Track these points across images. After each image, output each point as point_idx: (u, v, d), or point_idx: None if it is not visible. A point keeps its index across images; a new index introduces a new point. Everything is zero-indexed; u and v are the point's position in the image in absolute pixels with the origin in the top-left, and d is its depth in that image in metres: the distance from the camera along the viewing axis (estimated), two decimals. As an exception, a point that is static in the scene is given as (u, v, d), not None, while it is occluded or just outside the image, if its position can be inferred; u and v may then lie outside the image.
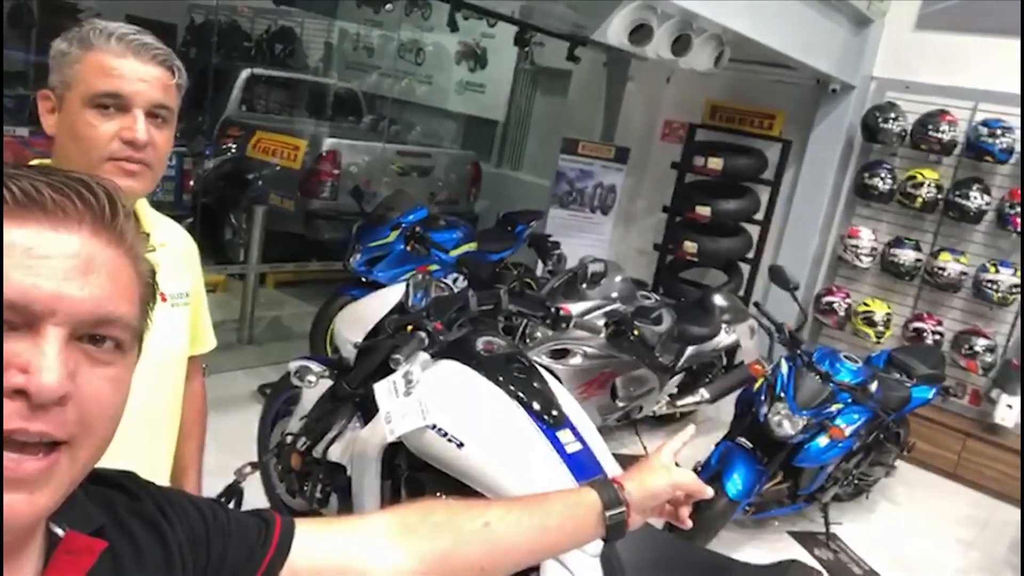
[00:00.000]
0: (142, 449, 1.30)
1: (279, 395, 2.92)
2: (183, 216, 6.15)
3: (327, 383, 2.54)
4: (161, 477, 1.41)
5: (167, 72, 1.24)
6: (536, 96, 8.71)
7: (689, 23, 4.63)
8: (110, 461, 0.63)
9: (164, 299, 1.33)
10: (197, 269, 1.51)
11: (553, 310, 2.61)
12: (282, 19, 10.53)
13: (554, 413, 2.19)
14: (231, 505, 2.06)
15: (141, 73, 1.20)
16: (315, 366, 2.55)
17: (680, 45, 4.67)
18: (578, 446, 2.17)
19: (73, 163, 1.18)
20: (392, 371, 2.20)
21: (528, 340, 4.03)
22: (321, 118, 7.95)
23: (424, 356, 2.29)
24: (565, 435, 2.17)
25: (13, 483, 0.55)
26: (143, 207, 1.34)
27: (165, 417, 1.39)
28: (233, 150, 6.64)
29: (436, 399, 2.10)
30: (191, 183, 5.99)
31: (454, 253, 4.76)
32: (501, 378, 2.23)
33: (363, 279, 4.50)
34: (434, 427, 2.05)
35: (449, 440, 2.04)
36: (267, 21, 10.69)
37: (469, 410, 2.13)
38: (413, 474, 2.22)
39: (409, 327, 2.25)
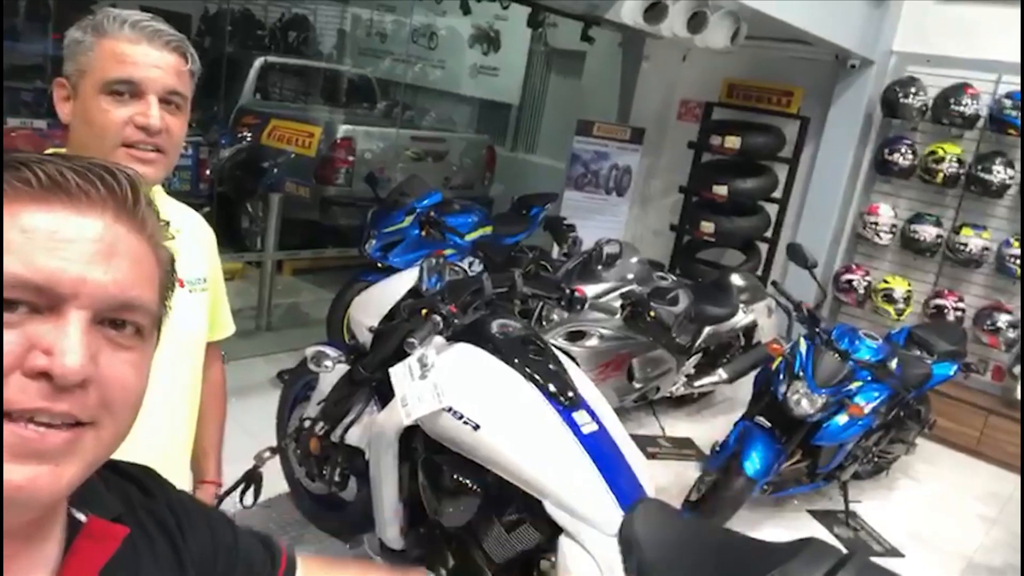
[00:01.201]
0: (163, 433, 1.32)
1: (297, 381, 2.95)
2: (200, 205, 6.20)
3: (344, 368, 2.55)
4: (181, 461, 1.43)
5: (180, 58, 1.25)
6: (551, 78, 8.65)
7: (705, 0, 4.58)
8: (131, 443, 0.64)
9: (182, 284, 1.34)
10: (214, 256, 1.52)
11: (568, 292, 2.61)
12: (295, 6, 10.53)
13: (570, 395, 2.20)
14: (251, 490, 2.10)
15: (154, 59, 1.21)
16: (331, 351, 2.56)
17: (696, 22, 4.63)
18: (594, 427, 2.17)
19: (87, 150, 1.19)
20: (407, 355, 2.21)
21: (544, 323, 4.03)
22: (335, 105, 7.95)
23: (439, 339, 2.30)
24: (581, 416, 2.18)
25: (38, 455, 0.55)
26: (159, 194, 1.35)
27: (184, 401, 1.41)
28: (248, 138, 6.66)
29: (451, 382, 2.11)
30: (207, 172, 6.01)
31: (469, 237, 4.76)
32: (516, 360, 2.23)
33: (379, 265, 4.51)
34: (449, 410, 2.06)
35: (465, 422, 2.05)
36: (281, 8, 10.69)
37: (484, 392, 2.14)
38: (430, 457, 2.23)
39: (424, 311, 2.25)
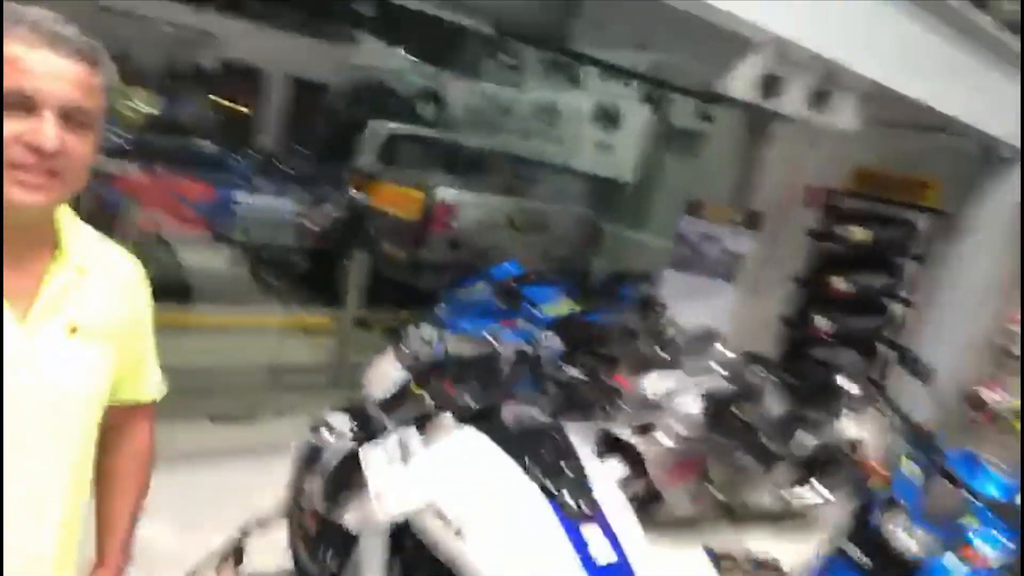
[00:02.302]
0: (25, 504, 1.13)
1: (310, 446, 2.75)
2: (297, 260, 6.34)
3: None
4: (47, 536, 1.21)
5: (88, 68, 1.07)
6: (667, 156, 8.41)
7: (830, 75, 4.19)
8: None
9: (74, 331, 1.16)
10: (139, 302, 1.31)
11: (605, 381, 2.29)
12: (427, 81, 10.96)
13: (582, 505, 1.86)
14: (230, 562, 1.88)
15: (55, 68, 1.03)
16: (340, 421, 2.35)
17: (819, 100, 4.25)
18: (612, 556, 1.81)
19: None
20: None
21: (609, 411, 3.67)
22: (448, 173, 8.05)
23: (448, 420, 2.04)
24: (593, 535, 1.83)
25: None
26: (68, 222, 1.18)
27: (61, 469, 1.19)
28: (357, 199, 6.80)
29: (437, 473, 1.83)
30: (310, 228, 6.15)
31: (547, 311, 4.52)
32: (526, 457, 1.93)
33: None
34: (431, 507, 1.78)
35: (446, 525, 1.76)
36: (415, 81, 11.16)
37: (474, 491, 1.85)
38: (420, 555, 1.95)
39: (415, 386, 2.00)
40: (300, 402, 4.58)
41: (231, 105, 11.53)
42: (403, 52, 9.23)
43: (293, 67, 11.85)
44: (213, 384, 4.88)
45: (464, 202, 6.25)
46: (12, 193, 1.03)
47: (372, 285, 5.69)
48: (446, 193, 6.26)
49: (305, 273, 6.46)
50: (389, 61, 10.96)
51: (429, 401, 1.94)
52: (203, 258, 5.89)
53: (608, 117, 8.53)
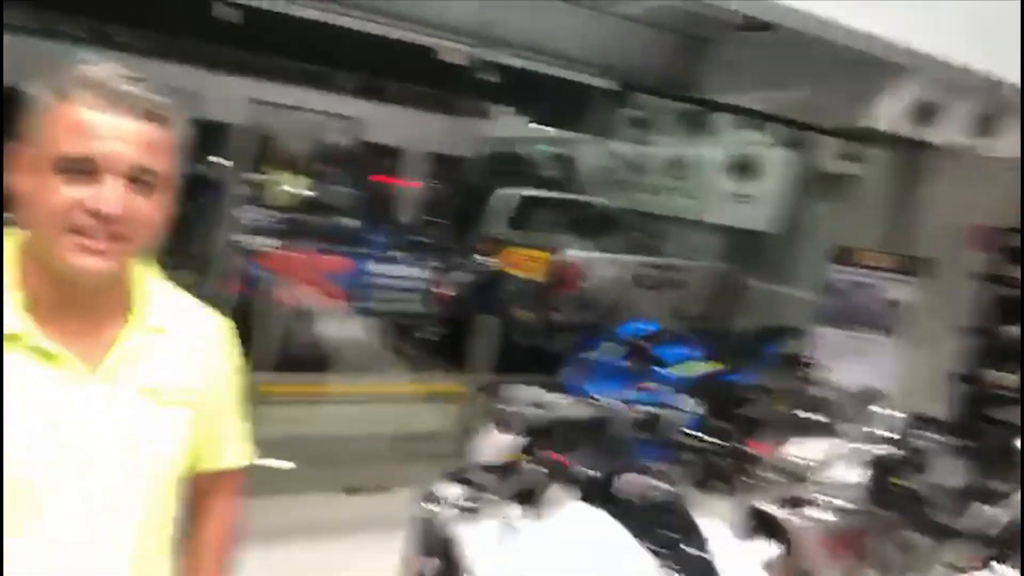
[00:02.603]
0: (90, 560, 1.08)
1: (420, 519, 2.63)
2: (429, 327, 6.40)
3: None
4: None
5: (156, 127, 1.04)
6: (811, 203, 7.91)
7: (994, 97, 3.76)
8: None
9: (147, 392, 1.12)
10: (222, 364, 1.27)
11: (747, 448, 2.03)
12: (556, 145, 11.08)
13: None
14: None
15: (119, 130, 1.00)
16: (451, 491, 2.22)
17: (983, 126, 3.82)
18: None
19: (35, 233, 1.03)
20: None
21: (753, 483, 3.32)
22: (577, 234, 7.99)
23: (555, 492, 1.86)
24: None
25: None
26: (147, 282, 1.16)
27: (128, 531, 1.13)
28: (486, 264, 6.85)
29: (547, 554, 1.65)
30: (441, 295, 6.22)
31: (678, 371, 4.25)
32: (644, 535, 1.72)
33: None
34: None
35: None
36: (544, 147, 11.32)
37: (588, 575, 1.65)
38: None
39: (528, 455, 1.84)
40: (430, 472, 4.50)
41: (372, 182, 12.13)
42: (531, 121, 9.37)
43: (430, 144, 12.38)
44: (346, 454, 4.92)
45: (593, 261, 6.13)
46: (74, 258, 1.01)
47: (502, 350, 5.63)
48: (574, 253, 6.17)
49: (437, 340, 6.52)
50: (519, 130, 11.18)
51: (536, 470, 1.77)
52: (340, 328, 6.06)
53: (744, 166, 8.18)
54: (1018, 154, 3.88)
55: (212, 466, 1.28)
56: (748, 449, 3.30)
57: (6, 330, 1.01)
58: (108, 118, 1.00)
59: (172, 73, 6.09)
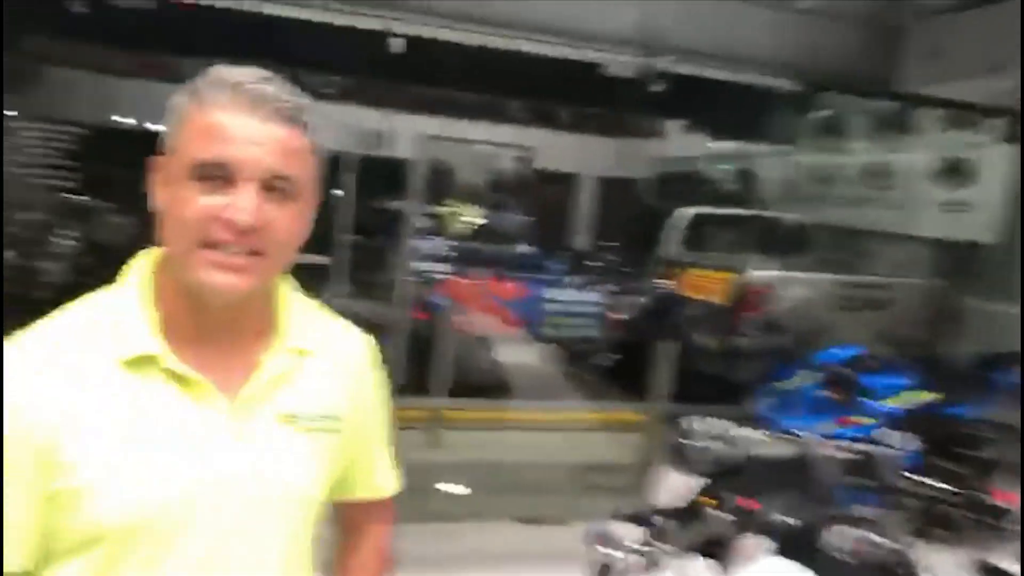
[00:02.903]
0: None
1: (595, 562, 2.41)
2: (606, 353, 6.21)
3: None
4: None
5: (293, 131, 0.95)
6: (1041, 209, 6.87)
7: None
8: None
9: (288, 419, 1.03)
10: (368, 387, 1.17)
11: (978, 494, 1.66)
12: (734, 160, 10.55)
13: None
14: None
15: (255, 134, 0.92)
16: (627, 532, 2.00)
17: None
18: None
19: (169, 249, 0.97)
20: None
21: (987, 534, 2.80)
22: (763, 253, 7.48)
23: (750, 544, 1.60)
24: None
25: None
26: (288, 300, 1.08)
27: (268, 564, 1.04)
28: (664, 288, 6.56)
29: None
30: (618, 320, 6.02)
31: (889, 403, 3.73)
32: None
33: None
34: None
35: None
36: (721, 163, 10.83)
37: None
38: None
39: (714, 498, 1.59)
40: (607, 504, 4.29)
41: (546, 209, 12.23)
42: (707, 134, 8.97)
43: (602, 168, 12.29)
44: (522, 482, 4.83)
45: (782, 281, 5.66)
46: (211, 276, 0.93)
47: (682, 378, 5.34)
48: (760, 274, 5.73)
49: (614, 366, 6.31)
50: (694, 148, 10.79)
51: (723, 517, 1.52)
52: (516, 354, 6.02)
53: (956, 169, 7.29)
54: None
55: (360, 496, 1.20)
56: (979, 494, 2.80)
57: (139, 352, 0.95)
58: (242, 120, 0.92)
59: (356, 114, 6.41)
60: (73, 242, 6.05)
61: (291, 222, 0.96)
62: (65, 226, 6.30)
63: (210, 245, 0.92)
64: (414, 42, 4.90)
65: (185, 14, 4.24)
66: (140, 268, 1.02)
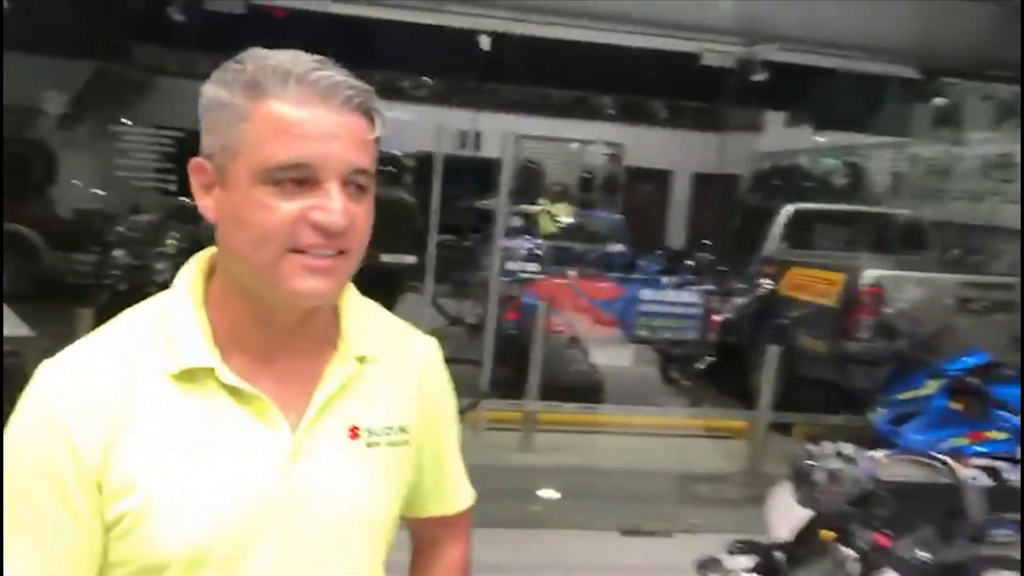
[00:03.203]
0: None
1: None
2: (705, 356, 5.96)
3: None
4: None
5: (366, 121, 0.86)
6: None
7: None
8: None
9: (355, 435, 0.94)
10: (437, 395, 1.07)
11: None
12: (842, 152, 10.00)
13: None
14: None
15: (333, 127, 0.83)
16: (740, 564, 1.83)
17: None
18: None
19: (244, 257, 0.87)
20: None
21: None
22: (874, 251, 7.04)
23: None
24: None
25: None
26: (351, 304, 0.99)
27: None
28: (766, 288, 6.25)
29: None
30: (717, 322, 5.78)
31: (1028, 417, 3.38)
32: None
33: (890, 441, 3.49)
34: None
35: None
36: (828, 156, 10.31)
37: None
38: None
39: (837, 531, 1.41)
40: (711, 517, 4.11)
41: (641, 207, 11.98)
42: (812, 127, 8.51)
43: (699, 164, 11.93)
44: (620, 490, 4.68)
45: (899, 282, 5.29)
46: (303, 282, 0.85)
47: (789, 384, 5.08)
48: (873, 274, 5.37)
49: (714, 370, 6.06)
50: (798, 141, 10.31)
51: (850, 553, 1.34)
52: (611, 356, 5.87)
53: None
54: None
55: (432, 511, 1.10)
56: None
57: (192, 364, 0.87)
58: (319, 114, 0.83)
59: (446, 115, 6.41)
60: (178, 242, 6.31)
61: (368, 217, 0.89)
62: (172, 227, 6.57)
63: (298, 250, 0.84)
64: (504, 39, 4.82)
65: (276, 19, 4.30)
66: (192, 273, 0.94)
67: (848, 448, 1.56)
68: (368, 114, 0.86)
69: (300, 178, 0.83)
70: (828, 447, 1.56)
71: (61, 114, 8.23)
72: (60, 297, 6.79)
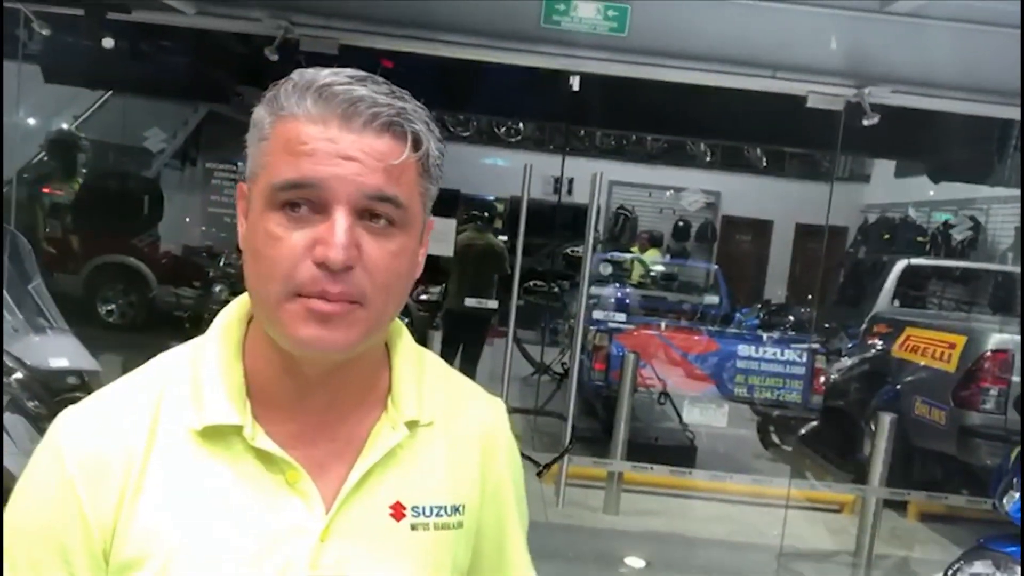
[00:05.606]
0: None
1: None
2: (808, 419, 5.55)
3: None
4: None
5: (396, 143, 0.73)
6: None
7: None
8: None
9: (400, 514, 0.79)
10: (498, 468, 0.90)
11: None
12: (963, 206, 9.39)
13: None
14: None
15: (348, 146, 0.71)
16: None
17: None
18: None
19: (254, 296, 0.76)
20: None
21: None
22: (999, 311, 6.48)
23: None
24: None
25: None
26: (404, 356, 0.85)
27: None
28: (877, 348, 5.81)
29: None
30: (821, 383, 5.38)
31: None
32: None
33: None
34: None
35: None
36: (948, 214, 9.70)
37: None
38: None
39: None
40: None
41: (737, 258, 11.60)
42: (927, 175, 7.98)
43: (800, 214, 11.48)
44: (709, 560, 4.35)
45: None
46: (302, 330, 0.71)
47: (902, 455, 4.65)
48: (999, 337, 4.89)
49: (818, 436, 5.63)
50: (911, 193, 9.76)
51: None
52: (704, 415, 5.54)
53: None
54: None
55: None
56: None
57: (218, 421, 0.75)
58: (333, 131, 0.71)
59: (538, 160, 6.33)
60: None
61: (393, 258, 0.73)
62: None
63: (303, 293, 0.71)
64: (594, 82, 4.71)
65: (371, 61, 4.32)
66: (228, 317, 0.82)
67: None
68: (403, 136, 0.72)
69: (309, 202, 0.71)
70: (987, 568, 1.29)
71: (173, 153, 8.68)
72: (164, 330, 7.05)
